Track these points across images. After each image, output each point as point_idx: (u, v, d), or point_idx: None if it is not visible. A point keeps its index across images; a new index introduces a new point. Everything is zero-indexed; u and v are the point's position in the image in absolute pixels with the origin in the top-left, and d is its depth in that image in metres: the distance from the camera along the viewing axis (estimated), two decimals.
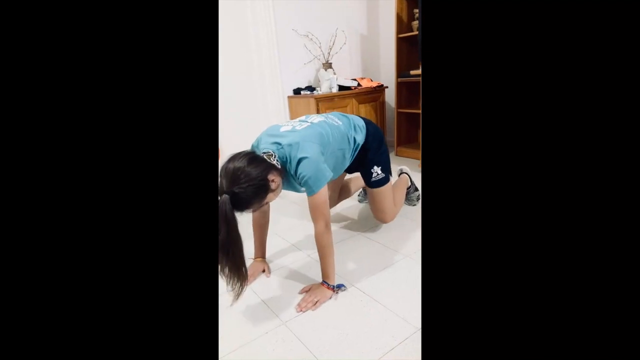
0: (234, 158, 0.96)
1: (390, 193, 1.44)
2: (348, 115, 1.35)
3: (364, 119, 1.38)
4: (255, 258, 1.29)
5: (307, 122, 1.19)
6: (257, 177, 0.94)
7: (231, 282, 0.91)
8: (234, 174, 0.91)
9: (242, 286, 0.92)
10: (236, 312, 1.07)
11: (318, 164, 1.05)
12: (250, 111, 2.43)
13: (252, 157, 0.96)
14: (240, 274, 0.91)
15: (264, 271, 1.26)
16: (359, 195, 1.90)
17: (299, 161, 1.03)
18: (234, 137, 1.94)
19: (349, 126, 1.28)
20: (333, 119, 1.26)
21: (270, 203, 1.93)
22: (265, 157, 1.02)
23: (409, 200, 1.76)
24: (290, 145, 1.05)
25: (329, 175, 1.09)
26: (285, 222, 1.69)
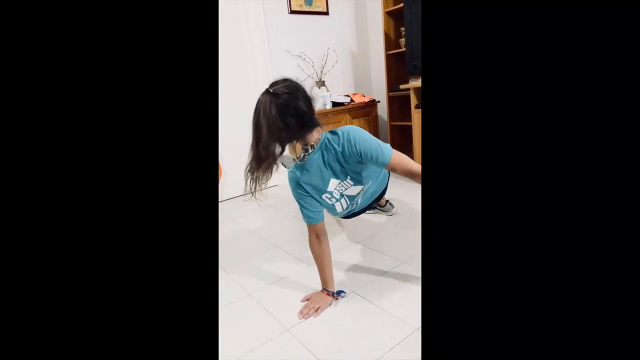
0: (301, 100, 0.98)
1: None
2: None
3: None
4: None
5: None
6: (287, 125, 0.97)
7: (258, 179, 0.96)
8: (288, 87, 0.97)
9: (258, 185, 0.97)
10: (241, 321, 1.11)
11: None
12: (247, 129, 2.51)
13: (298, 122, 0.97)
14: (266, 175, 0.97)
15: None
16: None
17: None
18: (230, 154, 2.01)
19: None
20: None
21: (272, 215, 1.95)
22: (301, 143, 1.04)
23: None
24: (301, 175, 1.08)
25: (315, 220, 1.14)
26: (286, 235, 1.74)
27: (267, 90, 0.97)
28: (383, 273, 1.30)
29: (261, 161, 0.96)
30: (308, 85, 2.93)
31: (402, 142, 2.88)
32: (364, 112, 2.73)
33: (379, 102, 2.85)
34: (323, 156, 1.07)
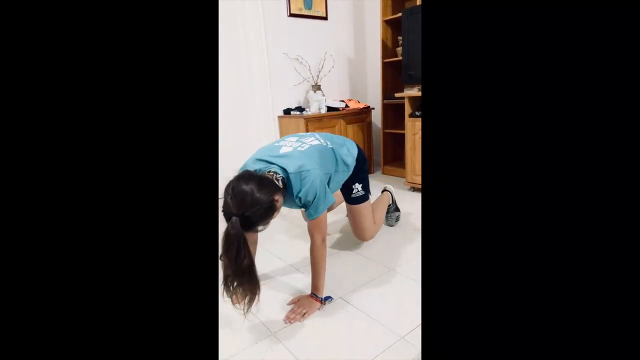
0: (241, 179, 0.97)
1: (370, 211, 1.48)
2: (339, 137, 1.42)
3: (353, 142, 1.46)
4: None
5: (306, 143, 1.24)
6: (266, 200, 0.96)
7: (246, 299, 0.93)
8: (244, 198, 0.93)
9: (254, 300, 0.94)
10: (226, 324, 1.10)
11: (322, 190, 1.10)
12: (242, 129, 2.50)
13: (259, 180, 0.98)
14: (257, 289, 0.94)
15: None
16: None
17: (303, 186, 1.08)
18: (226, 154, 2.00)
19: (341, 147, 1.35)
20: (327, 141, 1.32)
21: None
22: (270, 177, 1.05)
23: (388, 220, 1.77)
24: (297, 173, 1.09)
25: (331, 200, 1.14)
26: (272, 238, 1.73)
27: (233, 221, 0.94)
28: (371, 280, 1.30)
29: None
30: (304, 89, 2.94)
31: (394, 150, 2.91)
32: (358, 118, 2.75)
33: (373, 109, 2.87)
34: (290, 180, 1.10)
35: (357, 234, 1.50)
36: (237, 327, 1.08)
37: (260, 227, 0.99)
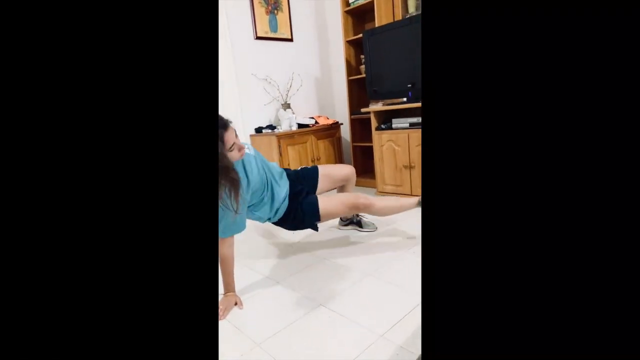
0: None
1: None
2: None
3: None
4: (226, 293, 1.32)
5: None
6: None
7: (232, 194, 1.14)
8: None
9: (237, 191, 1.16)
10: None
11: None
12: None
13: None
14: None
15: (236, 304, 1.31)
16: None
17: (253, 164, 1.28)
18: None
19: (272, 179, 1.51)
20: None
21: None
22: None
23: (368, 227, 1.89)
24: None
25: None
26: (253, 252, 1.76)
27: None
28: (351, 285, 1.36)
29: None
30: (274, 108, 3.02)
31: (364, 162, 3.02)
32: (328, 133, 2.85)
33: (341, 124, 2.99)
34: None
35: (349, 172, 1.84)
36: (222, 341, 1.10)
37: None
